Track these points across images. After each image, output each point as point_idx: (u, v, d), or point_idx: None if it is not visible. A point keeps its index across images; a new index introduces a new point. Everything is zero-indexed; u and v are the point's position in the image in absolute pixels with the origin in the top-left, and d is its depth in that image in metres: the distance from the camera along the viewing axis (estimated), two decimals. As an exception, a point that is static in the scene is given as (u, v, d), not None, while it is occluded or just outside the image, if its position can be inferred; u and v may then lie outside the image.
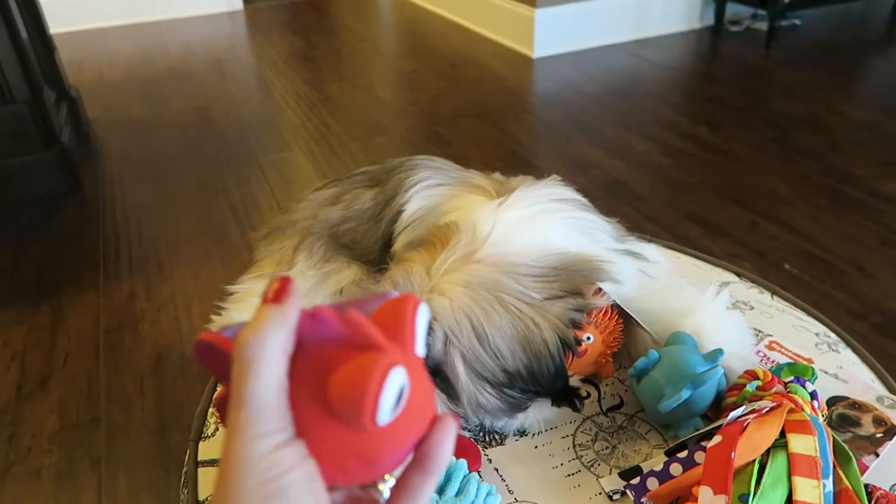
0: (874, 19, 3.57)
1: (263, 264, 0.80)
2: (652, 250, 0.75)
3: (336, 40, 3.65)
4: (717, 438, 0.52)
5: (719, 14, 3.38)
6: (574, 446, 0.63)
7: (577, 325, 0.60)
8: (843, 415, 0.64)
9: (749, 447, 0.51)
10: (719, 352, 0.62)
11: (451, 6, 3.84)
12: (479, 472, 0.61)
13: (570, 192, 0.71)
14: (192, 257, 1.85)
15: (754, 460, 0.51)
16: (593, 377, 0.70)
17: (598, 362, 0.67)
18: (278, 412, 0.29)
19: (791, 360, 0.70)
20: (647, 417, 0.66)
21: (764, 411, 0.54)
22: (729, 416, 0.54)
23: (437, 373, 0.58)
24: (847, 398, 0.66)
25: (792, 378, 0.61)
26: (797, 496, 0.49)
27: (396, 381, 0.29)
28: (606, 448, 0.63)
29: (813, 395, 0.59)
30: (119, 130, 2.65)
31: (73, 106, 2.57)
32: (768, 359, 0.71)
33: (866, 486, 0.54)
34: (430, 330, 0.56)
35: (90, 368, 1.49)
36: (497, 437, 0.65)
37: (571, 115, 2.59)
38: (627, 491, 0.57)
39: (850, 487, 0.52)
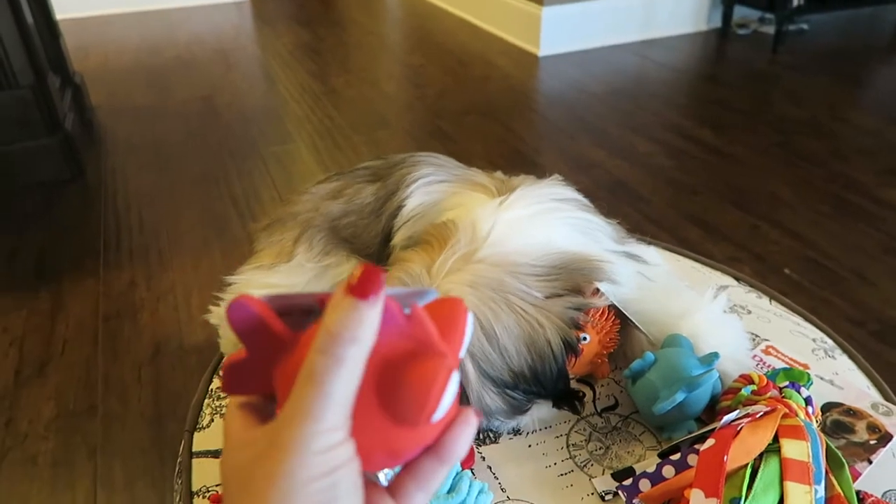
0: (882, 26, 3.56)
1: (263, 255, 0.80)
2: (651, 253, 0.75)
3: (343, 33, 3.65)
4: (710, 442, 0.52)
5: (727, 17, 3.37)
6: (568, 446, 0.64)
7: (576, 326, 0.60)
8: (838, 421, 0.64)
9: (742, 451, 0.51)
10: (715, 355, 0.62)
11: (459, 2, 3.84)
12: (471, 469, 0.61)
13: (571, 192, 0.71)
14: (193, 247, 1.85)
15: (747, 464, 0.51)
16: (589, 377, 0.70)
17: (593, 363, 0.67)
18: (347, 409, 0.29)
19: (787, 365, 0.70)
20: (641, 419, 0.66)
21: (758, 416, 0.54)
22: (723, 420, 0.54)
23: None
24: (842, 404, 0.66)
25: (787, 383, 0.61)
26: (788, 501, 0.49)
27: (455, 383, 0.29)
28: (600, 448, 0.63)
29: (808, 401, 0.59)
30: (123, 118, 2.65)
31: (77, 92, 2.57)
32: (764, 363, 0.71)
33: (858, 492, 0.54)
34: None
35: (88, 356, 1.50)
36: (491, 435, 0.65)
37: (576, 114, 2.59)
38: (619, 492, 0.57)
39: (842, 494, 0.52)
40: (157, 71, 3.12)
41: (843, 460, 0.54)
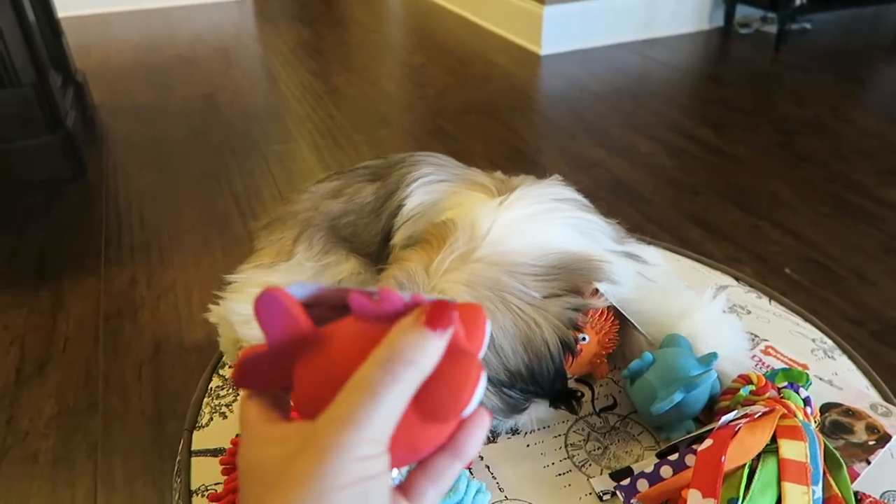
0: (885, 25, 3.55)
1: (263, 254, 0.80)
2: (651, 253, 0.75)
3: (344, 32, 3.65)
4: (708, 442, 0.52)
5: (729, 16, 3.37)
6: (566, 446, 0.64)
7: (575, 327, 0.60)
8: (837, 421, 0.64)
9: (740, 451, 0.51)
10: (713, 355, 0.62)
11: (461, 1, 3.83)
12: (469, 469, 0.61)
13: (571, 193, 0.71)
14: (194, 245, 1.85)
15: (744, 465, 0.51)
16: (587, 377, 0.70)
17: (592, 363, 0.67)
18: (391, 426, 0.29)
19: (786, 366, 0.70)
20: (639, 419, 0.66)
21: (756, 416, 0.54)
22: (721, 420, 0.54)
23: None
24: (841, 405, 0.66)
25: (786, 383, 0.61)
26: (786, 502, 0.49)
27: (484, 381, 0.31)
28: (598, 448, 0.63)
29: (806, 401, 0.59)
30: (124, 116, 2.65)
31: (78, 91, 2.57)
32: (763, 363, 0.71)
33: (856, 493, 0.54)
34: None
35: (89, 354, 1.50)
36: (489, 434, 0.65)
37: (577, 113, 2.59)
38: (617, 492, 0.57)
39: (840, 494, 0.52)
40: (158, 69, 3.12)
41: (841, 461, 0.54)
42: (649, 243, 0.83)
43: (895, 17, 3.62)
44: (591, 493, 0.59)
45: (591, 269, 0.62)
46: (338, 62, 3.19)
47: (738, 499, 0.49)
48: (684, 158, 2.25)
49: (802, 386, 0.61)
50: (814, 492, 0.49)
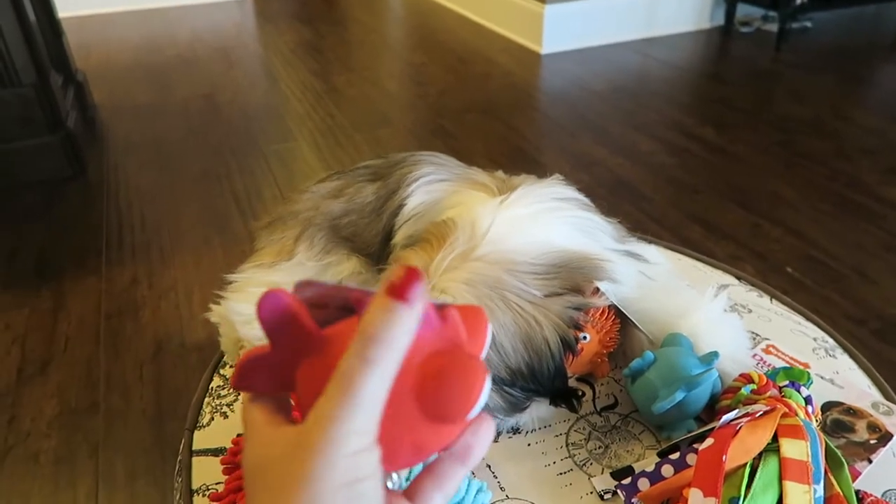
0: (886, 24, 3.55)
1: (263, 254, 0.80)
2: (652, 252, 0.75)
3: (344, 31, 3.65)
4: (709, 441, 0.52)
5: (730, 15, 3.36)
6: (567, 445, 0.64)
7: (576, 326, 0.60)
8: (838, 420, 0.64)
9: (741, 450, 0.51)
10: (714, 354, 0.62)
11: (461, 0, 3.83)
12: (471, 467, 0.61)
13: (571, 192, 0.71)
14: (194, 245, 1.85)
15: (746, 464, 0.51)
16: (588, 376, 0.70)
17: (593, 362, 0.67)
18: (374, 413, 0.29)
19: (787, 365, 0.70)
20: (640, 418, 0.66)
21: (757, 415, 0.54)
22: (722, 420, 0.54)
23: None
24: (842, 404, 0.66)
25: (787, 382, 0.61)
26: (787, 501, 0.49)
27: (489, 382, 0.30)
28: (599, 447, 0.63)
29: (807, 400, 0.59)
30: (125, 116, 2.65)
31: (79, 90, 2.57)
32: (765, 362, 0.71)
33: (857, 492, 0.54)
34: None
35: (90, 354, 1.50)
36: (491, 433, 0.65)
37: (578, 112, 2.58)
38: (618, 491, 0.57)
39: (841, 493, 0.52)
40: (158, 69, 3.12)
41: (843, 460, 0.54)
42: (650, 242, 0.83)
43: (896, 16, 3.62)
44: (592, 493, 0.59)
45: (592, 268, 0.62)
46: (338, 61, 3.19)
47: (739, 498, 0.49)
48: (685, 157, 2.25)
49: (804, 385, 0.61)
50: (815, 490, 0.49)
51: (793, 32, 3.31)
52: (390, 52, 3.37)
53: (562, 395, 0.62)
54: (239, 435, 0.63)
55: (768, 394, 0.58)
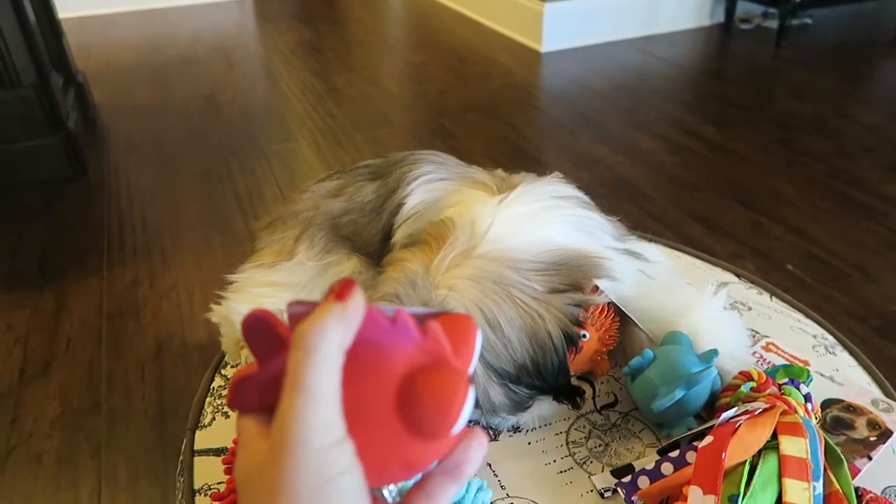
0: (886, 20, 3.54)
1: (264, 254, 0.81)
2: (652, 250, 0.75)
3: (345, 31, 3.65)
4: (708, 439, 0.53)
5: (730, 12, 3.36)
6: (567, 443, 0.64)
7: (577, 322, 0.60)
8: (838, 417, 0.64)
9: (740, 448, 0.51)
10: (714, 352, 0.62)
11: (461, -1, 3.83)
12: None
13: (571, 190, 0.71)
14: (195, 245, 1.85)
15: (745, 461, 0.51)
16: (588, 374, 0.70)
17: (593, 360, 0.67)
18: (334, 404, 0.29)
19: (787, 362, 0.70)
20: (640, 416, 0.66)
21: (756, 413, 0.54)
22: (721, 417, 0.54)
23: None
24: (842, 401, 0.66)
25: (787, 380, 0.61)
26: (787, 498, 0.49)
27: (472, 396, 0.30)
28: (599, 446, 0.63)
29: (807, 398, 0.59)
30: (125, 116, 2.65)
31: (80, 91, 2.57)
32: (765, 360, 0.71)
33: (857, 489, 0.54)
34: None
35: (92, 354, 1.50)
36: (491, 432, 0.65)
37: (578, 110, 2.58)
38: (618, 489, 0.57)
39: (841, 490, 0.52)
40: (158, 69, 3.12)
41: (842, 457, 0.54)
42: (650, 240, 0.83)
43: (896, 12, 3.62)
44: (592, 491, 0.59)
45: (592, 266, 0.62)
46: (338, 61, 3.19)
47: (738, 495, 0.49)
48: (685, 155, 2.25)
49: (803, 382, 0.61)
50: (814, 488, 0.50)
51: (793, 29, 3.31)
52: (390, 52, 3.37)
53: (565, 392, 0.62)
54: (240, 434, 0.63)
55: (768, 391, 0.59)
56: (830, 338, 0.76)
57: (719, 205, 1.96)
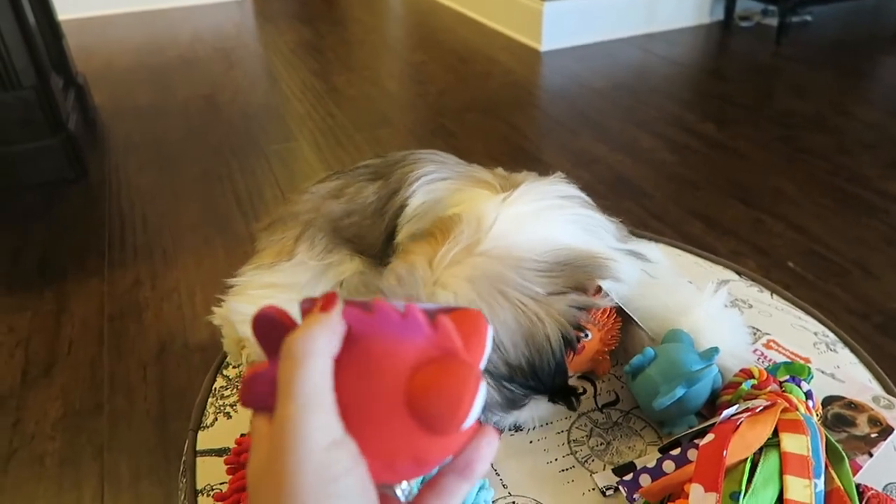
0: (886, 17, 3.54)
1: (264, 255, 0.80)
2: (653, 250, 0.75)
3: (344, 31, 3.65)
4: (709, 436, 0.53)
5: (729, 9, 3.36)
6: (569, 442, 0.64)
7: (578, 326, 0.59)
8: (839, 414, 0.64)
9: (741, 445, 0.51)
10: (715, 350, 0.62)
11: (460, -2, 3.83)
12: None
13: (574, 190, 0.71)
14: (196, 246, 1.85)
15: (746, 459, 0.51)
16: (589, 374, 0.70)
17: (594, 359, 0.67)
18: (326, 407, 0.29)
19: (788, 360, 0.70)
20: (642, 414, 0.66)
21: (757, 410, 0.54)
22: (722, 415, 0.54)
23: None
24: (843, 398, 0.66)
25: (787, 377, 0.61)
26: (788, 495, 0.49)
27: (483, 391, 0.30)
28: (601, 444, 0.63)
29: (808, 395, 0.59)
30: (125, 117, 2.66)
31: (80, 93, 2.57)
32: (766, 357, 0.71)
33: (858, 486, 0.54)
34: None
35: (94, 356, 1.50)
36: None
37: (578, 109, 2.58)
38: (620, 487, 0.57)
39: (842, 487, 0.52)
40: (158, 70, 3.12)
41: (843, 454, 0.54)
42: (650, 239, 0.83)
43: (896, 9, 3.61)
44: (594, 489, 0.59)
45: (596, 267, 0.62)
46: (338, 61, 3.19)
47: (739, 492, 0.49)
48: (686, 153, 2.24)
49: (804, 379, 0.61)
50: (815, 485, 0.50)
51: (793, 26, 3.30)
52: (390, 52, 3.37)
53: (561, 393, 0.62)
54: (242, 435, 0.63)
55: (769, 389, 0.59)
56: (831, 335, 0.76)
57: (720, 203, 1.96)
